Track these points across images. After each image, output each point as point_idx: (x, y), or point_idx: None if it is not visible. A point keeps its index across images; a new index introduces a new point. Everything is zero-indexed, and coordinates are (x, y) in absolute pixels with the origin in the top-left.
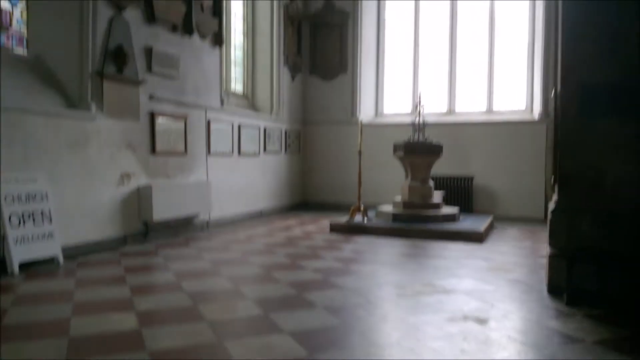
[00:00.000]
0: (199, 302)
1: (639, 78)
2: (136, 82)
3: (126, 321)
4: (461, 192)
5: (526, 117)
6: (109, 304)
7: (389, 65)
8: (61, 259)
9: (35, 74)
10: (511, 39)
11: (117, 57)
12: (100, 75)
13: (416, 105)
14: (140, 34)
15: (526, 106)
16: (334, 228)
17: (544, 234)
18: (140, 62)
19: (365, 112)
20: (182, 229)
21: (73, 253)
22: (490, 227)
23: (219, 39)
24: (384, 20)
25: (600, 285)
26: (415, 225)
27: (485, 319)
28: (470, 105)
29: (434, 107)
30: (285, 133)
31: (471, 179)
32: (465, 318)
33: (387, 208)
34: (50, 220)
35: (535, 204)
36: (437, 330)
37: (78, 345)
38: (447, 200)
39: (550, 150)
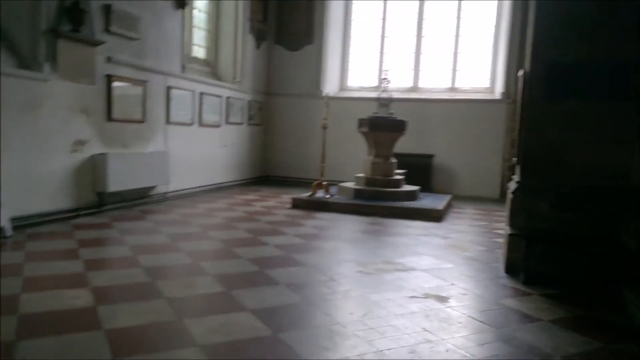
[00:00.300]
0: (157, 278)
1: (604, 60)
2: (93, 43)
3: (80, 298)
4: (421, 170)
5: (488, 95)
6: (62, 279)
7: (355, 38)
8: (9, 230)
9: None
10: (478, 18)
11: (73, 14)
12: (55, 33)
13: (382, 80)
14: None
15: (489, 85)
16: (296, 204)
17: (500, 214)
18: (97, 21)
19: (330, 85)
20: (139, 201)
21: (22, 224)
22: (449, 206)
23: (182, 0)
24: None
25: (557, 266)
26: (376, 202)
27: (445, 297)
28: (435, 81)
29: (398, 83)
30: (248, 104)
31: (431, 157)
32: (426, 296)
33: (350, 184)
34: None
35: (492, 183)
36: (399, 308)
37: (29, 323)
38: (407, 178)
39: (509, 131)
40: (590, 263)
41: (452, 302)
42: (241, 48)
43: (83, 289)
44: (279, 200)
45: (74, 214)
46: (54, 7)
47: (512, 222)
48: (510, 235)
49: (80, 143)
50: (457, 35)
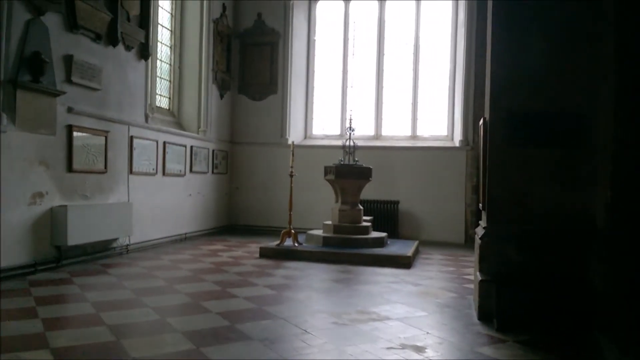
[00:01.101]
0: (122, 337)
1: (559, 108)
2: (53, 93)
3: None
4: (387, 216)
5: (447, 143)
6: (19, 341)
7: (318, 88)
8: None
9: None
10: (434, 68)
11: (33, 65)
12: (14, 84)
13: (346, 128)
14: (60, 41)
15: (447, 133)
16: (264, 253)
17: (467, 259)
18: (59, 71)
19: (295, 134)
20: (100, 254)
21: None
22: (417, 252)
23: (145, 51)
24: (314, 42)
25: (529, 311)
26: (345, 249)
27: (422, 347)
28: (396, 130)
29: (361, 131)
30: (213, 153)
31: (397, 203)
32: (403, 346)
33: (318, 232)
34: None
35: (457, 229)
36: None
37: None
38: (375, 225)
39: (470, 177)
40: (562, 307)
41: (429, 352)
42: (205, 98)
43: (42, 350)
44: (247, 250)
45: (31, 269)
46: (14, 57)
47: (482, 268)
48: (481, 281)
49: (39, 195)
50: (415, 86)
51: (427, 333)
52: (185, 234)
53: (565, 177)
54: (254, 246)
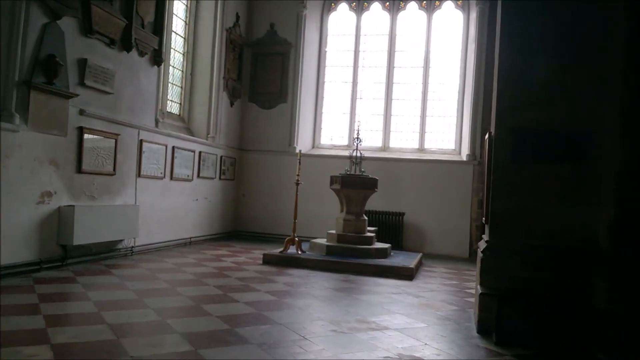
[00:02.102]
0: (122, 336)
1: (565, 125)
2: (66, 95)
3: (40, 355)
4: (392, 228)
5: (454, 157)
6: (21, 335)
7: (327, 98)
8: None
9: None
10: (444, 83)
11: (47, 67)
12: (28, 84)
13: (354, 139)
14: (75, 45)
15: (455, 147)
16: (267, 260)
17: (470, 273)
18: (72, 74)
19: (303, 143)
20: (105, 254)
21: None
22: (420, 264)
23: (158, 57)
24: (325, 53)
25: (528, 326)
26: (348, 259)
27: (420, 358)
28: (404, 142)
29: (369, 142)
30: (221, 159)
31: (402, 215)
32: (400, 356)
33: (321, 241)
34: None
35: (461, 243)
36: None
37: None
38: (379, 236)
39: (476, 192)
40: (562, 323)
41: None
42: (215, 105)
43: (43, 345)
44: (250, 256)
45: (36, 267)
46: (29, 59)
47: (483, 282)
48: (481, 294)
49: (47, 194)
50: (424, 100)
51: (426, 344)
52: (190, 238)
53: (569, 194)
54: (257, 252)
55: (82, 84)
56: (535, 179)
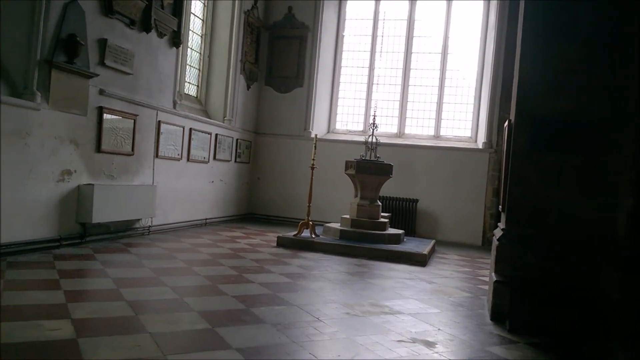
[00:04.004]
0: (140, 312)
1: (584, 114)
2: (87, 75)
3: (61, 329)
4: (406, 214)
5: (470, 145)
6: (42, 310)
7: (343, 83)
8: None
9: None
10: (462, 70)
11: (68, 47)
12: (49, 63)
13: (370, 125)
14: (95, 25)
15: (471, 135)
16: (281, 242)
17: (483, 261)
18: (93, 54)
19: (318, 128)
20: (122, 233)
21: (2, 252)
22: (433, 251)
23: (176, 39)
24: (343, 38)
25: (542, 315)
26: (361, 244)
27: (432, 343)
28: (419, 129)
29: (384, 128)
30: (237, 142)
31: (416, 201)
32: (414, 340)
33: (335, 225)
34: None
35: (475, 231)
36: (387, 352)
37: (8, 353)
38: (392, 221)
39: (492, 180)
40: (576, 313)
41: (439, 348)
42: (232, 88)
43: (63, 320)
44: (264, 238)
45: (56, 243)
46: (50, 38)
47: (498, 269)
48: (495, 282)
49: (67, 172)
50: (441, 86)
51: (439, 329)
52: (206, 219)
53: (587, 183)
54: (271, 235)
55: (102, 63)
56: (553, 168)
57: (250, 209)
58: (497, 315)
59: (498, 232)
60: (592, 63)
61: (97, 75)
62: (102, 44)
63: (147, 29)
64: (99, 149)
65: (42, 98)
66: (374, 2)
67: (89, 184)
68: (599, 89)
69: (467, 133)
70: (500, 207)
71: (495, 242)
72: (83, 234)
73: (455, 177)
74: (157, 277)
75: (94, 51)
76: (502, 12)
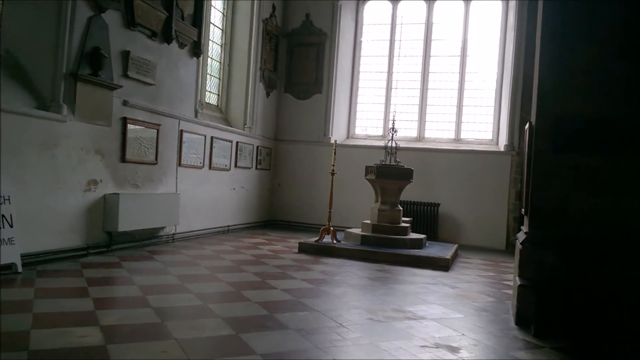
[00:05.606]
0: (166, 319)
1: (606, 114)
2: (111, 87)
3: (90, 336)
4: (427, 218)
5: (492, 148)
6: (71, 317)
7: (362, 88)
8: (20, 267)
9: (5, 69)
10: (481, 72)
11: (93, 59)
12: (75, 76)
13: (389, 129)
14: (118, 37)
15: (492, 137)
16: (303, 248)
17: (507, 265)
18: (116, 66)
19: (338, 133)
20: (147, 241)
21: (32, 261)
22: (455, 255)
23: (197, 49)
24: (360, 43)
25: (568, 318)
26: (383, 249)
27: (456, 348)
28: (439, 132)
29: (404, 132)
30: (257, 149)
31: (437, 205)
32: (437, 346)
33: (356, 230)
34: (11, 224)
35: (498, 234)
36: (411, 357)
37: (39, 359)
38: (413, 226)
39: (514, 183)
40: (602, 315)
41: (463, 353)
42: (252, 95)
43: (93, 327)
44: (286, 245)
45: (83, 252)
46: (75, 52)
47: (522, 273)
48: (519, 286)
49: (93, 182)
50: (460, 89)
51: (463, 334)
52: (228, 226)
53: (611, 184)
54: (293, 241)
55: (125, 75)
56: (575, 169)
57: (272, 216)
58: (522, 320)
59: (521, 236)
60: (613, 62)
61: (121, 86)
62: (125, 56)
63: (168, 40)
64: (123, 159)
65: (69, 110)
66: (391, 7)
67: (115, 193)
68: (621, 88)
69: (488, 136)
70: (523, 210)
71: (518, 246)
72: (109, 242)
73: (477, 181)
74: (181, 283)
75: (117, 63)
76: (521, 13)
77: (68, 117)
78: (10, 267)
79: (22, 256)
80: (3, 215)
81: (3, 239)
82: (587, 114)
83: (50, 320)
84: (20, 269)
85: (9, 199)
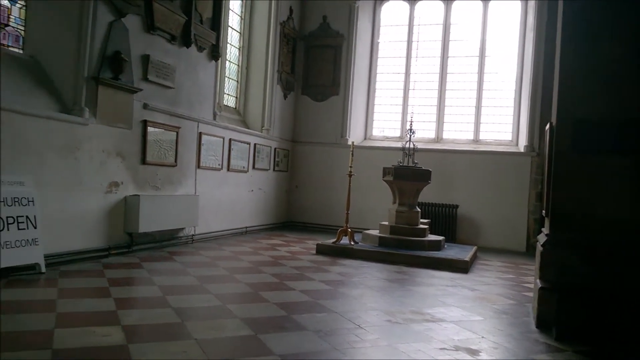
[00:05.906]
0: (186, 319)
1: (628, 114)
2: (131, 90)
3: (112, 335)
4: (445, 220)
5: (512, 148)
6: (94, 317)
7: (379, 89)
8: (43, 267)
9: (28, 74)
10: (500, 72)
11: (114, 63)
12: (96, 80)
13: (407, 131)
14: (138, 41)
15: (512, 138)
16: (320, 250)
17: (527, 267)
18: (136, 69)
19: (355, 135)
20: (167, 242)
21: (55, 261)
22: (475, 257)
23: (215, 52)
24: (378, 44)
25: (590, 321)
26: (401, 251)
27: (476, 351)
28: (458, 134)
29: (422, 134)
30: (275, 151)
31: (456, 207)
32: (457, 348)
33: (374, 232)
34: (35, 225)
35: (518, 236)
36: None
37: (63, 358)
38: (432, 228)
39: (534, 184)
40: (624, 319)
41: (483, 356)
42: (269, 98)
43: (114, 326)
44: (304, 246)
45: (105, 253)
46: (97, 56)
47: (543, 276)
48: (541, 289)
49: (115, 184)
50: (479, 90)
51: (482, 337)
52: (246, 227)
53: (633, 185)
54: (310, 243)
55: (145, 78)
56: (597, 170)
57: (289, 217)
58: (543, 323)
59: (542, 238)
60: (636, 63)
61: (141, 90)
62: (145, 59)
63: (187, 44)
64: (143, 161)
65: (90, 113)
66: (408, 8)
67: (135, 195)
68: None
69: (508, 136)
70: (543, 211)
71: (539, 248)
72: (130, 243)
73: (496, 182)
74: (201, 284)
75: (138, 67)
76: (541, 12)
77: (90, 120)
78: (34, 267)
79: (46, 257)
80: (27, 216)
81: (28, 240)
82: (611, 114)
83: (73, 320)
84: (43, 269)
85: (32, 201)
